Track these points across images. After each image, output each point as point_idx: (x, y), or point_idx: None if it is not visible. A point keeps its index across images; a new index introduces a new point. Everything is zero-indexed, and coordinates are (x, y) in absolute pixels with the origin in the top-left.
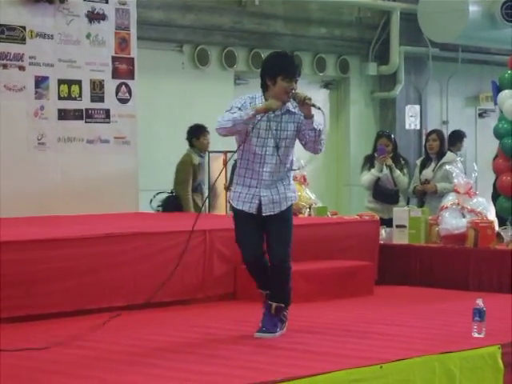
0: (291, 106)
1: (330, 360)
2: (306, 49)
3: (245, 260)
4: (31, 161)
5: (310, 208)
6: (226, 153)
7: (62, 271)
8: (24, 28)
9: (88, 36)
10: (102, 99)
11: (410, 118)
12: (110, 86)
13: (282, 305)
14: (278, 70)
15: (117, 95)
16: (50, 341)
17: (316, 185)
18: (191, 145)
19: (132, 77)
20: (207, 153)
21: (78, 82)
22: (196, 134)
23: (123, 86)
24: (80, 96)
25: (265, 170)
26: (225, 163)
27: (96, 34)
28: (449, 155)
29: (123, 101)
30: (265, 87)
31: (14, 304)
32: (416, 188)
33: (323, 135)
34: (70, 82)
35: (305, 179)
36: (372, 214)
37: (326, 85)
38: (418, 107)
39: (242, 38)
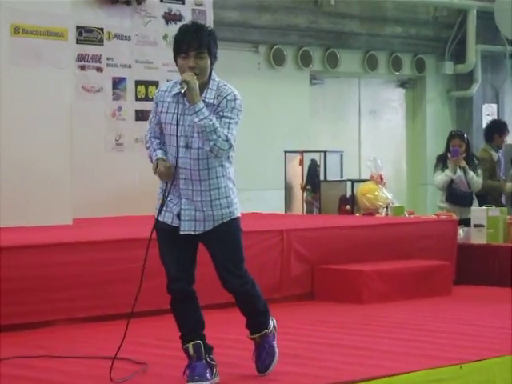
0: (212, 93)
1: (408, 360)
2: (381, 48)
3: (168, 287)
4: (109, 161)
5: (387, 208)
6: (302, 153)
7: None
8: (102, 29)
9: (165, 37)
10: None
11: (487, 116)
12: None
13: (266, 330)
14: (174, 49)
15: None
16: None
17: (392, 184)
18: (489, 140)
19: None
20: (284, 153)
21: (155, 83)
22: (500, 130)
23: None
24: None
25: (180, 176)
26: (301, 163)
27: (173, 34)
28: None
29: None
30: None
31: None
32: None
33: (211, 134)
34: (147, 83)
35: (381, 179)
36: (449, 214)
37: (402, 84)
38: (495, 106)
39: (318, 38)
